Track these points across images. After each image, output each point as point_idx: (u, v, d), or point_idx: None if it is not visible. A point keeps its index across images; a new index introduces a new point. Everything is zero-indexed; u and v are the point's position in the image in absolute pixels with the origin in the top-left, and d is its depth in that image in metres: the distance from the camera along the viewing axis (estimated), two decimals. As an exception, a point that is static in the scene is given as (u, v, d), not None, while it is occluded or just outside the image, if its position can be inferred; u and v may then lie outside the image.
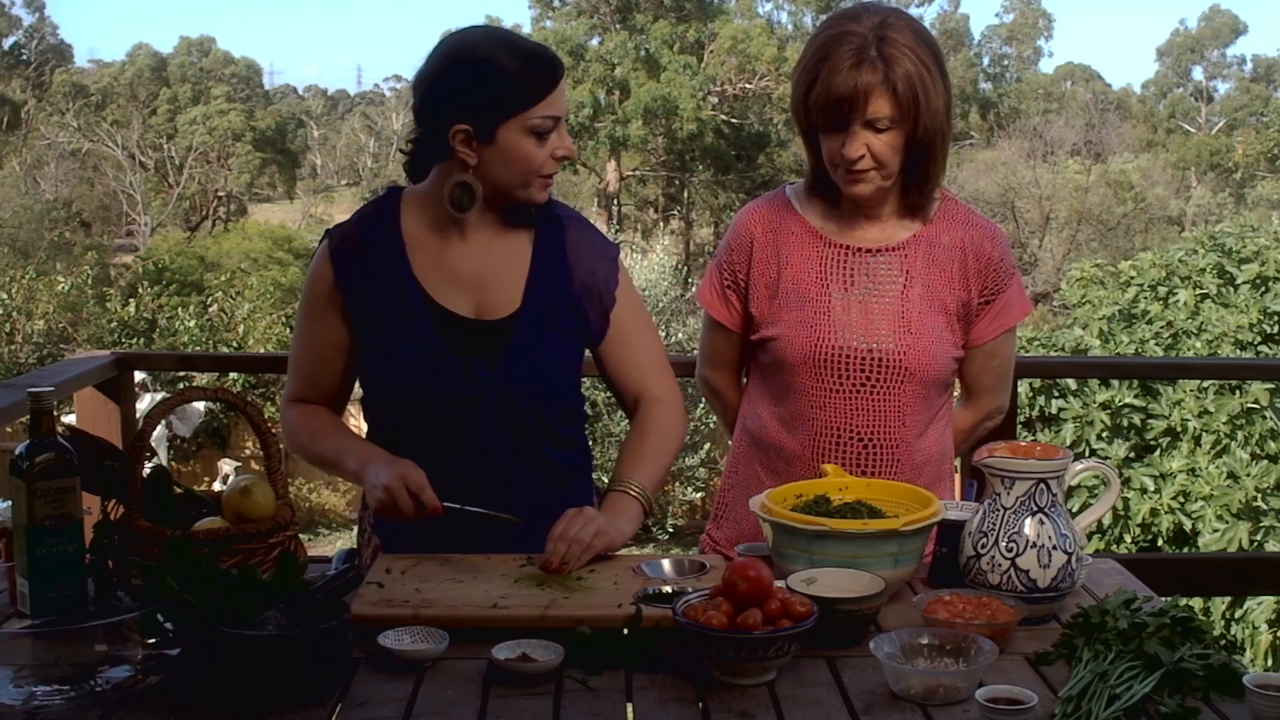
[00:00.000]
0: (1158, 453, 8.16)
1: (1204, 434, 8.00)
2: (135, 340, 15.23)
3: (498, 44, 2.11)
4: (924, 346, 2.30)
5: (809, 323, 2.32)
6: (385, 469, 2.03)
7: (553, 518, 2.18)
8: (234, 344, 15.08)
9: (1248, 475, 7.63)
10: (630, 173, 31.24)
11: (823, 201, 2.38)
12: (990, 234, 2.38)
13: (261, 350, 14.66)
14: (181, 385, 11.98)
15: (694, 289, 24.02)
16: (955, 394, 2.53)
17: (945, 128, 2.27)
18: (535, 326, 2.18)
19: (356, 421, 2.43)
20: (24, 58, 43.64)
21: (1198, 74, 49.88)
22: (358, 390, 2.31)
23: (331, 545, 13.58)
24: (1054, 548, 1.90)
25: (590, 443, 2.43)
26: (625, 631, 1.76)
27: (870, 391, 2.31)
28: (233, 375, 13.50)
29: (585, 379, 2.57)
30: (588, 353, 2.32)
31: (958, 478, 2.68)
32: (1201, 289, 9.04)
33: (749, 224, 2.40)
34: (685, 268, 21.29)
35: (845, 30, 2.22)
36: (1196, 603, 6.40)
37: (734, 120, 30.82)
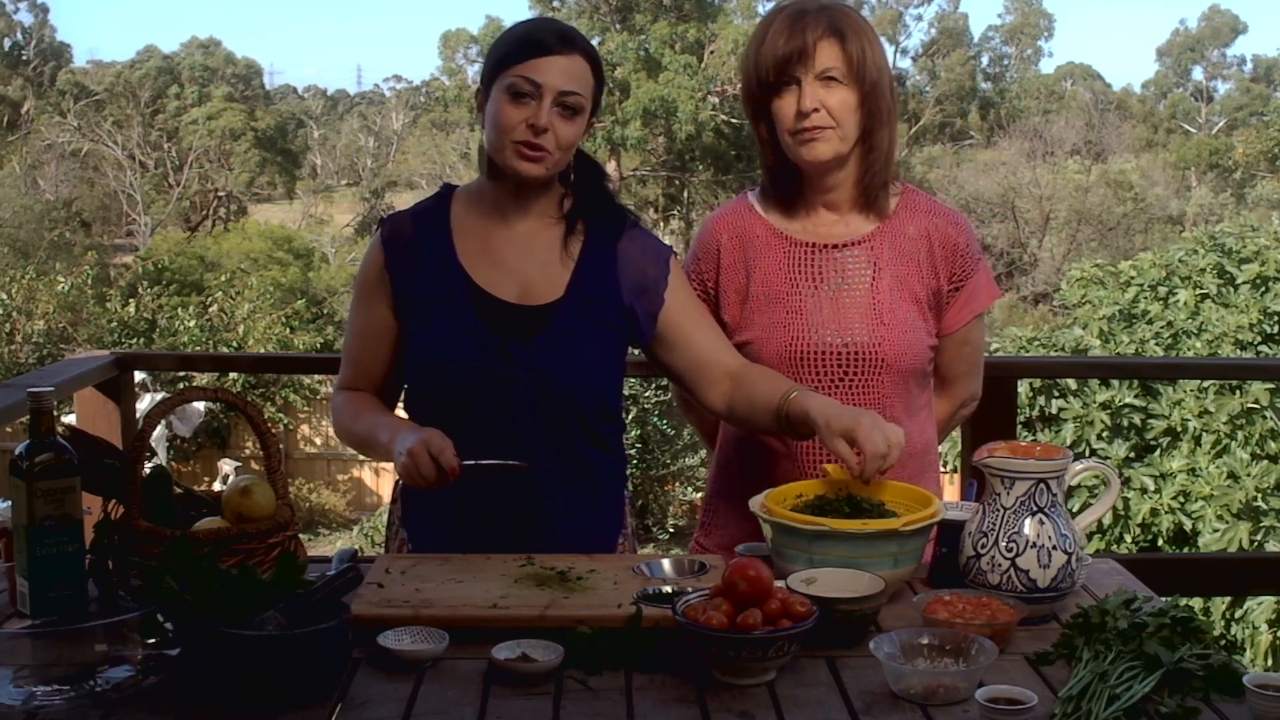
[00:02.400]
0: (1158, 453, 8.15)
1: (1204, 434, 7.99)
2: (135, 340, 15.24)
3: (539, 19, 2.19)
4: (897, 337, 2.31)
5: (782, 323, 2.33)
6: (410, 436, 2.04)
7: (582, 518, 2.21)
8: (234, 344, 15.09)
9: (1248, 475, 7.62)
10: (630, 173, 31.23)
11: (781, 203, 2.40)
12: (954, 220, 2.41)
13: (261, 350, 14.68)
14: (181, 385, 11.99)
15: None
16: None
17: (890, 99, 2.31)
18: (576, 316, 2.18)
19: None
20: (24, 58, 43.63)
21: (1198, 74, 49.86)
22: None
23: (331, 545, 13.57)
24: (1054, 548, 1.90)
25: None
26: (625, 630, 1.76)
27: (848, 386, 2.32)
28: (233, 375, 13.50)
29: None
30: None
31: (956, 476, 2.69)
32: (1201, 289, 9.03)
33: (715, 232, 2.42)
34: (685, 268, 21.28)
35: (789, 2, 2.32)
36: (1196, 603, 6.39)
37: (734, 120, 30.81)
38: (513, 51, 2.13)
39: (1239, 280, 8.93)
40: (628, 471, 2.37)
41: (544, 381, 2.15)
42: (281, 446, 11.87)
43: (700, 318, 2.29)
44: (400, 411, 2.32)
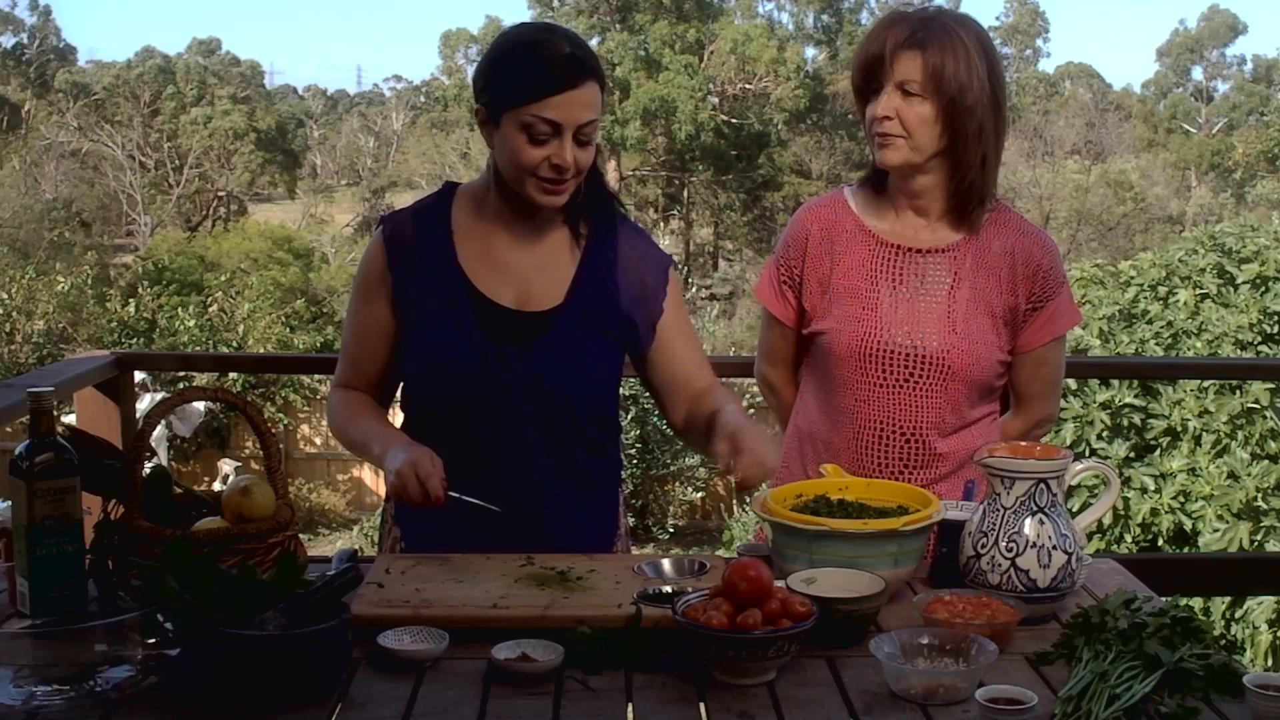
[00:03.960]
0: (1158, 453, 8.14)
1: (1204, 434, 7.98)
2: (135, 340, 15.26)
3: (543, 36, 2.11)
4: (968, 347, 2.32)
5: (856, 318, 2.35)
6: (402, 454, 2.04)
7: (577, 521, 2.21)
8: (234, 344, 15.10)
9: (1248, 475, 7.62)
10: (630, 173, 31.22)
11: (875, 197, 2.42)
12: (1040, 242, 2.40)
13: (261, 350, 14.69)
14: (181, 385, 11.99)
15: (693, 289, 24.03)
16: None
17: (986, 120, 2.29)
18: (575, 323, 2.18)
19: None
20: (25, 57, 43.62)
21: (1198, 74, 49.85)
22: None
23: (331, 545, 13.57)
24: (1054, 548, 1.90)
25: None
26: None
27: (911, 389, 2.33)
28: (233, 375, 13.50)
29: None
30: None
31: None
32: (1201, 289, 9.02)
33: (806, 222, 2.46)
34: (685, 268, 21.27)
35: (898, 5, 2.32)
36: (1196, 603, 6.39)
37: (734, 120, 30.81)
38: (526, 87, 2.05)
39: (1239, 280, 8.92)
40: (626, 473, 2.37)
41: (541, 387, 2.15)
42: (281, 446, 11.87)
43: (688, 334, 2.31)
44: (396, 410, 2.32)
